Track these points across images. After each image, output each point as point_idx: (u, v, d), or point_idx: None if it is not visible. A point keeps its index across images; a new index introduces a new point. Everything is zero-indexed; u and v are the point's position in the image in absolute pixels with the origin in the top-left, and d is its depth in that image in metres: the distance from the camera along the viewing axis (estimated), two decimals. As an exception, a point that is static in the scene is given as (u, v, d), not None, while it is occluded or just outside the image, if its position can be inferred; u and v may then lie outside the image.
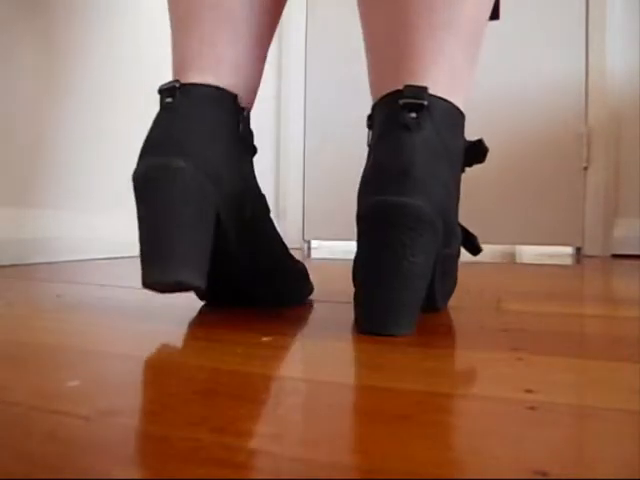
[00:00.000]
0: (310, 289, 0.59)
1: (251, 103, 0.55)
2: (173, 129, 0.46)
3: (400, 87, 0.44)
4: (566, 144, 1.88)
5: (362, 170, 0.46)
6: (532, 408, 0.25)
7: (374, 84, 0.50)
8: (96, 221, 1.18)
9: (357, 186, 0.46)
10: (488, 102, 1.90)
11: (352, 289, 0.44)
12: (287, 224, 2.11)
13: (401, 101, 0.44)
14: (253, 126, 0.55)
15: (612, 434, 0.22)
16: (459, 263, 0.56)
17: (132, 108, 1.27)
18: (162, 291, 0.44)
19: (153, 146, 0.45)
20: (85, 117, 1.15)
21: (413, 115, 0.43)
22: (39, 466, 0.18)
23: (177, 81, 0.48)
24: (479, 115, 1.83)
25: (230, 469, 0.18)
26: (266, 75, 0.62)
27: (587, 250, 1.86)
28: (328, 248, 2.14)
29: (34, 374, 0.29)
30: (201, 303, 0.55)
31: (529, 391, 0.27)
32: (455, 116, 0.47)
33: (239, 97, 0.51)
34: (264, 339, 0.39)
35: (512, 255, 1.86)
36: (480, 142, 0.50)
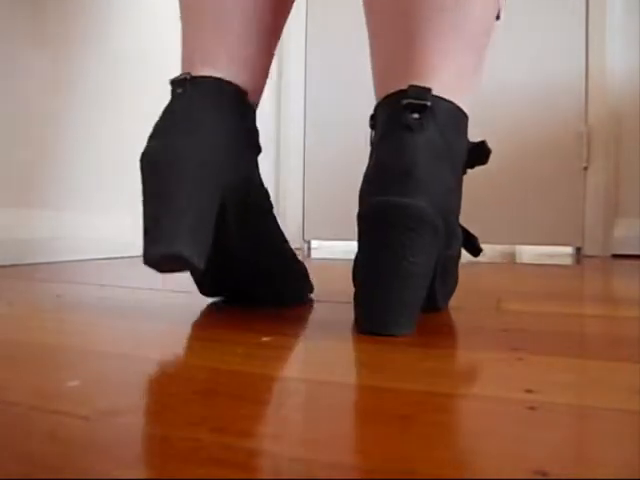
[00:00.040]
0: (310, 289, 0.59)
1: (258, 98, 0.55)
2: (182, 116, 0.46)
3: (405, 87, 0.44)
4: (566, 144, 1.88)
5: (363, 170, 0.46)
6: (532, 408, 0.25)
7: (379, 84, 0.50)
8: (96, 221, 1.17)
9: (357, 186, 0.46)
10: (488, 102, 1.89)
11: (352, 289, 0.44)
12: (287, 224, 2.11)
13: (404, 101, 0.43)
14: (253, 126, 0.55)
15: (612, 434, 0.22)
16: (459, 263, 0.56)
17: (135, 108, 1.27)
18: (161, 269, 0.44)
19: (161, 130, 0.46)
20: (86, 117, 1.15)
21: (416, 116, 0.43)
22: (39, 466, 0.18)
23: (188, 73, 0.49)
24: (479, 115, 1.82)
25: (230, 469, 0.18)
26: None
27: (587, 250, 1.86)
28: (328, 248, 2.14)
29: (34, 374, 0.29)
30: (201, 303, 0.55)
31: (529, 391, 0.27)
32: (458, 117, 0.47)
33: (248, 92, 0.52)
34: (264, 339, 0.39)
35: (512, 255, 1.86)
36: (483, 143, 0.50)
